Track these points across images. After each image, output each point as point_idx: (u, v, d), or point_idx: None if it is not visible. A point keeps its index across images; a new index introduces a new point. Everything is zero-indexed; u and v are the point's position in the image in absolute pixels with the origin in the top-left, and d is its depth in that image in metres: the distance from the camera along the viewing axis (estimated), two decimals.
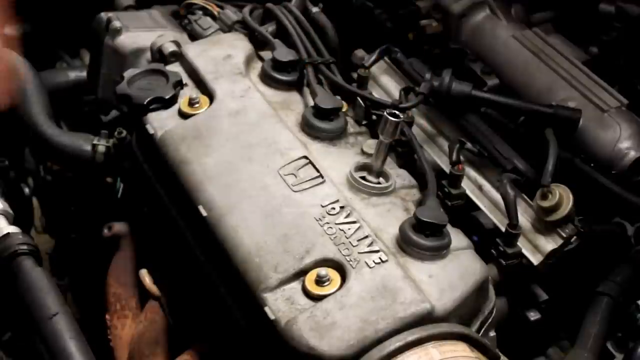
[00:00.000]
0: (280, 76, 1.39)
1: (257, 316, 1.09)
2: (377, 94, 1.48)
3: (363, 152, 1.29)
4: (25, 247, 1.33)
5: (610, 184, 1.34)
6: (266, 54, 1.46)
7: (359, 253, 1.11)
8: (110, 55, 1.63)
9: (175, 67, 1.43)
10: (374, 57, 1.47)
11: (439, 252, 1.13)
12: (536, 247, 1.26)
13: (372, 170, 1.24)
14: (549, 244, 1.26)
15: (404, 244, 1.13)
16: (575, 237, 1.26)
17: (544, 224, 1.27)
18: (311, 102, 1.35)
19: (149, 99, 1.34)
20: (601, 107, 1.42)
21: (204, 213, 1.19)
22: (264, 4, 1.60)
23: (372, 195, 1.22)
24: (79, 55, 1.97)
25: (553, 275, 1.29)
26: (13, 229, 1.36)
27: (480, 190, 1.35)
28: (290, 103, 1.37)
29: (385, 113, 1.20)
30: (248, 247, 1.13)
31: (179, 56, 1.47)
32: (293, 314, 1.06)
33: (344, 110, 1.36)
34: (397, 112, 1.19)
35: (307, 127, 1.31)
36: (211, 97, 1.36)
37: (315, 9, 1.59)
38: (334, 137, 1.30)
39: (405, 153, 1.36)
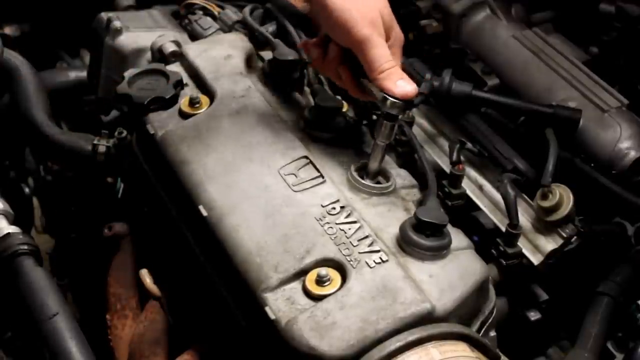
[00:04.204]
0: (281, 76, 1.39)
1: (257, 316, 1.09)
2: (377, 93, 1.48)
3: (363, 152, 1.29)
4: (25, 247, 1.32)
5: (610, 184, 1.34)
6: (266, 54, 1.46)
7: (359, 253, 1.11)
8: (111, 55, 1.64)
9: (175, 67, 1.43)
10: None
11: (439, 252, 1.13)
12: (536, 247, 1.27)
13: (367, 171, 1.24)
14: (549, 244, 1.26)
15: (405, 244, 1.13)
16: (575, 237, 1.26)
17: (544, 224, 1.27)
18: (311, 102, 1.35)
19: (149, 99, 1.34)
20: (601, 107, 1.42)
21: (205, 213, 1.19)
22: (264, 4, 1.60)
23: (372, 195, 1.22)
24: (79, 55, 1.97)
25: (553, 275, 1.29)
26: (13, 228, 1.36)
27: (481, 190, 1.35)
28: (290, 103, 1.37)
29: (380, 116, 1.19)
30: (248, 247, 1.13)
31: (179, 56, 1.47)
32: (293, 314, 1.06)
33: (344, 110, 1.36)
34: (393, 114, 1.18)
35: (307, 127, 1.31)
36: (211, 97, 1.36)
37: None
38: (334, 137, 1.30)
39: (405, 153, 1.36)
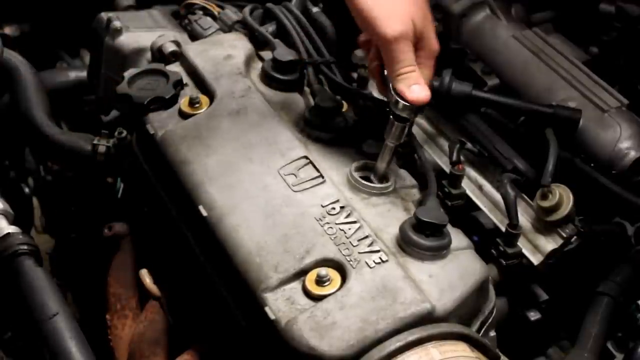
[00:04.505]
0: (281, 76, 1.39)
1: (257, 316, 1.09)
2: (377, 94, 1.48)
3: (363, 152, 1.29)
4: (25, 247, 1.32)
5: (610, 184, 1.34)
6: (266, 54, 1.46)
7: (359, 253, 1.11)
8: (111, 55, 1.63)
9: (175, 67, 1.43)
10: None
11: (439, 252, 1.13)
12: (536, 247, 1.27)
13: (374, 172, 1.24)
14: (549, 244, 1.26)
15: (404, 244, 1.13)
16: (575, 237, 1.26)
17: (544, 224, 1.27)
18: (311, 102, 1.35)
19: (149, 99, 1.34)
20: (601, 107, 1.42)
21: (205, 213, 1.19)
22: (264, 4, 1.60)
23: (372, 195, 1.22)
24: (79, 55, 1.97)
25: (553, 275, 1.29)
26: (13, 228, 1.36)
27: (481, 190, 1.35)
28: (290, 103, 1.37)
29: (391, 117, 1.20)
30: (248, 247, 1.13)
31: (179, 56, 1.47)
32: (293, 314, 1.06)
33: (344, 110, 1.36)
34: (404, 117, 1.19)
35: (307, 127, 1.31)
36: (211, 97, 1.36)
37: (315, 9, 1.59)
38: (334, 137, 1.30)
39: (405, 153, 1.36)
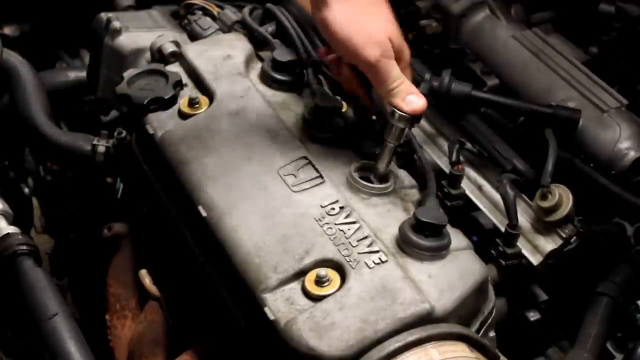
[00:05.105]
0: (280, 76, 1.39)
1: (256, 316, 1.09)
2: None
3: (363, 152, 1.29)
4: (25, 247, 1.32)
5: (610, 184, 1.34)
6: (266, 54, 1.46)
7: (358, 253, 1.11)
8: (110, 56, 1.64)
9: (175, 68, 1.43)
10: None
11: (439, 252, 1.13)
12: (536, 248, 1.27)
13: (374, 172, 1.24)
14: (549, 244, 1.26)
15: (404, 245, 1.13)
16: (575, 237, 1.26)
17: (544, 224, 1.27)
18: (311, 102, 1.35)
19: (148, 99, 1.34)
20: (601, 107, 1.42)
21: (204, 213, 1.19)
22: (264, 4, 1.60)
23: (371, 196, 1.22)
24: (79, 55, 1.97)
25: (553, 275, 1.29)
26: (13, 229, 1.36)
27: (480, 191, 1.35)
28: (290, 103, 1.37)
29: (391, 118, 1.20)
30: (248, 247, 1.13)
31: (178, 56, 1.47)
32: (293, 315, 1.06)
33: (343, 110, 1.36)
34: (401, 127, 1.20)
35: (306, 127, 1.31)
36: (211, 97, 1.36)
37: None
38: (334, 137, 1.30)
39: (405, 153, 1.36)
